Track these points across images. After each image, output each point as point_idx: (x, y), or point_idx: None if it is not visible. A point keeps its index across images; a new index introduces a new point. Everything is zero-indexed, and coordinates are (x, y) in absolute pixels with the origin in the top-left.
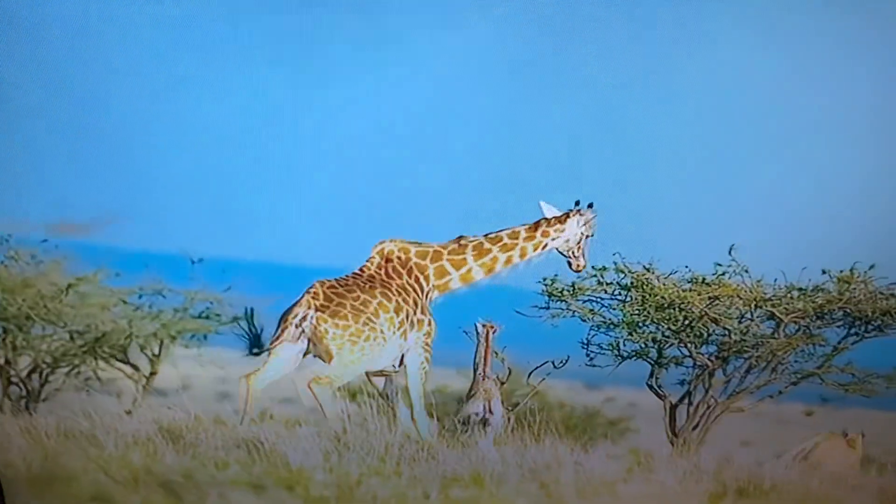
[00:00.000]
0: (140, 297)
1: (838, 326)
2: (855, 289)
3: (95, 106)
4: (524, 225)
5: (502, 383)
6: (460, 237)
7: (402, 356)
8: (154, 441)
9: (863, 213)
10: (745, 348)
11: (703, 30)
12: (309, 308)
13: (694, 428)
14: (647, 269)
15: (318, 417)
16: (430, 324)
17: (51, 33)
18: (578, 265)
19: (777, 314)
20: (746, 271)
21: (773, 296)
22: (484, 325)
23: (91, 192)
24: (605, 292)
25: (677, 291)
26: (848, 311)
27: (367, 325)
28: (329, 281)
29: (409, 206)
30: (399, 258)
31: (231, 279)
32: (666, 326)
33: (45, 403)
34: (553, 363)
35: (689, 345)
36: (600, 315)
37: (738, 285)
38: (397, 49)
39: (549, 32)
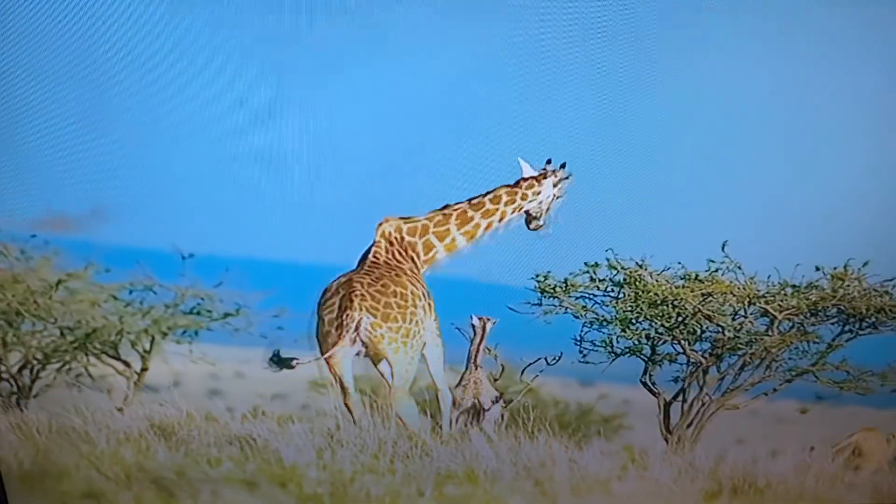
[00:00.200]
0: (130, 292)
1: (832, 324)
2: (849, 286)
3: (85, 101)
4: (505, 187)
5: (495, 380)
6: (446, 206)
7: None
8: (146, 438)
9: (857, 209)
10: (739, 345)
11: (697, 25)
12: (362, 312)
13: (688, 425)
14: (640, 266)
15: (310, 414)
16: (432, 307)
17: (41, 29)
18: (538, 225)
19: (771, 311)
20: (740, 268)
21: (767, 292)
22: (481, 319)
23: (80, 187)
24: (598, 289)
25: (670, 288)
26: (842, 308)
27: (413, 320)
28: (363, 277)
29: (404, 201)
30: (397, 239)
31: (222, 275)
32: (659, 323)
33: (36, 400)
34: (546, 360)
35: (682, 342)
36: (593, 312)
37: (731, 282)
38: (394, 45)
39: (548, 31)
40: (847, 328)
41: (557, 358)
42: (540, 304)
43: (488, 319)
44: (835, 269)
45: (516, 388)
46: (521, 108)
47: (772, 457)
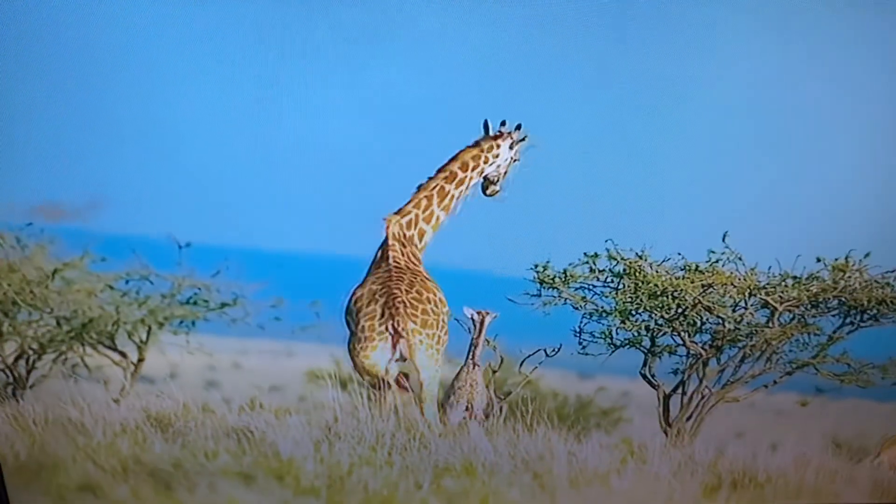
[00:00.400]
0: (127, 282)
1: (833, 315)
2: (850, 277)
3: (82, 92)
4: (469, 150)
5: (494, 372)
6: (420, 187)
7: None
8: (142, 429)
9: (858, 201)
10: (739, 337)
11: (698, 22)
12: (408, 319)
13: (688, 418)
14: (640, 257)
15: (307, 407)
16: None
17: (39, 23)
18: (495, 190)
19: (771, 302)
20: (740, 259)
21: (768, 284)
22: (479, 313)
23: (76, 176)
24: (598, 280)
25: (670, 279)
26: (843, 299)
27: (443, 327)
28: (399, 283)
29: (400, 194)
30: (404, 236)
31: (219, 265)
32: (659, 314)
33: (32, 390)
34: (545, 351)
35: (682, 333)
36: (592, 303)
37: (731, 273)
38: (389, 41)
39: (547, 29)
40: (848, 320)
41: (557, 349)
42: (539, 295)
43: (487, 313)
44: (836, 260)
45: (515, 380)
46: (523, 109)
47: (772, 450)
